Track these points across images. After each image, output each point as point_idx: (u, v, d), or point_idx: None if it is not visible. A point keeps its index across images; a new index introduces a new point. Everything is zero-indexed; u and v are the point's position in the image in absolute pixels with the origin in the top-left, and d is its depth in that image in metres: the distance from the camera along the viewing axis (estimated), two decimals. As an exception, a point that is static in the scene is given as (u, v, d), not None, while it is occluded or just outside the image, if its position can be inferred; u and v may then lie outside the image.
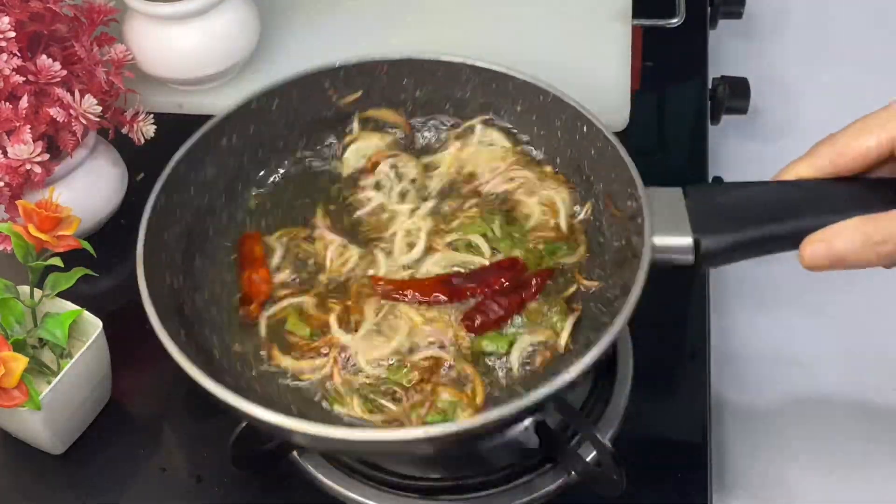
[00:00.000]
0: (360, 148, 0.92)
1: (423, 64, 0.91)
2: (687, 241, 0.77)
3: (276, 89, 0.89)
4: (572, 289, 0.84)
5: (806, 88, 1.26)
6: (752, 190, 0.79)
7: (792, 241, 0.76)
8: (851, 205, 0.75)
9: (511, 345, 0.81)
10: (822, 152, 0.78)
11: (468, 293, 0.83)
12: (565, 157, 0.89)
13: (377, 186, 0.90)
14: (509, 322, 0.82)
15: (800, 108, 1.24)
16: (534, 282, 0.83)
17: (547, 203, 0.88)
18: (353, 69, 0.91)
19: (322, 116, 0.92)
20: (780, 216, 0.77)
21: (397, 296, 0.82)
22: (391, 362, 0.80)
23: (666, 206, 0.78)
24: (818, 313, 1.04)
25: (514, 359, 0.80)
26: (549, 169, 0.90)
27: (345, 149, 0.92)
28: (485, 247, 0.85)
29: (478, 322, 0.81)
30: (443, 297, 0.82)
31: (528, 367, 0.80)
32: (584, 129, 0.86)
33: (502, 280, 0.83)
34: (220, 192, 0.88)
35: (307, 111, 0.91)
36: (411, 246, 0.86)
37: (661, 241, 0.77)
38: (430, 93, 0.92)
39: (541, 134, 0.90)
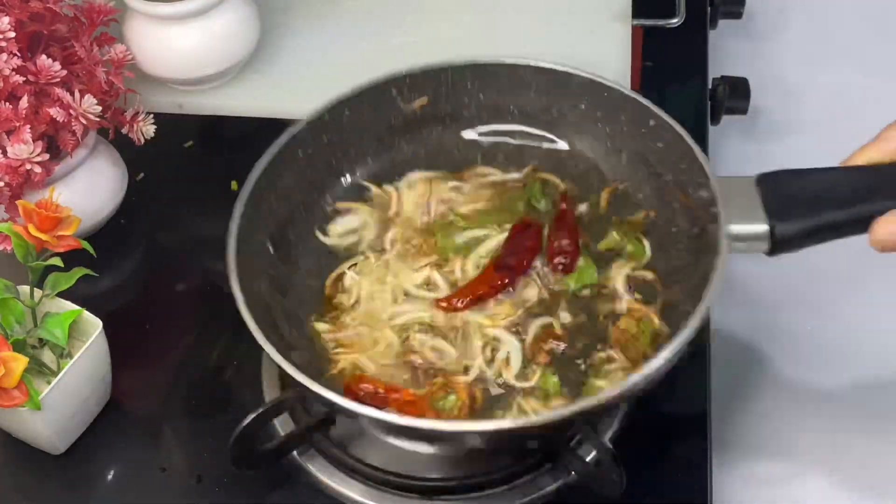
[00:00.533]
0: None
1: (486, 67, 0.92)
2: (763, 228, 0.79)
3: (346, 99, 0.91)
4: (640, 215, 0.88)
5: (806, 88, 1.26)
6: (823, 176, 0.81)
7: (863, 224, 0.77)
8: None
9: (594, 275, 0.85)
10: (890, 136, 0.79)
11: (525, 263, 0.85)
12: (631, 151, 0.90)
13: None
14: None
15: (800, 108, 1.24)
16: (563, 206, 0.89)
17: (482, 182, 0.92)
18: (418, 76, 0.92)
19: (391, 123, 0.93)
20: (853, 200, 0.78)
21: (478, 298, 0.84)
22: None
23: (739, 195, 0.80)
24: (819, 313, 1.04)
25: (620, 285, 0.85)
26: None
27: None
28: (483, 230, 0.88)
29: (566, 260, 0.85)
30: (509, 278, 0.85)
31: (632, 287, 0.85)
32: (651, 122, 0.87)
33: (534, 238, 0.87)
34: (298, 203, 0.90)
35: (377, 119, 0.93)
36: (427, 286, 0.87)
37: (737, 228, 0.79)
38: (494, 96, 0.93)
39: (606, 131, 0.91)
